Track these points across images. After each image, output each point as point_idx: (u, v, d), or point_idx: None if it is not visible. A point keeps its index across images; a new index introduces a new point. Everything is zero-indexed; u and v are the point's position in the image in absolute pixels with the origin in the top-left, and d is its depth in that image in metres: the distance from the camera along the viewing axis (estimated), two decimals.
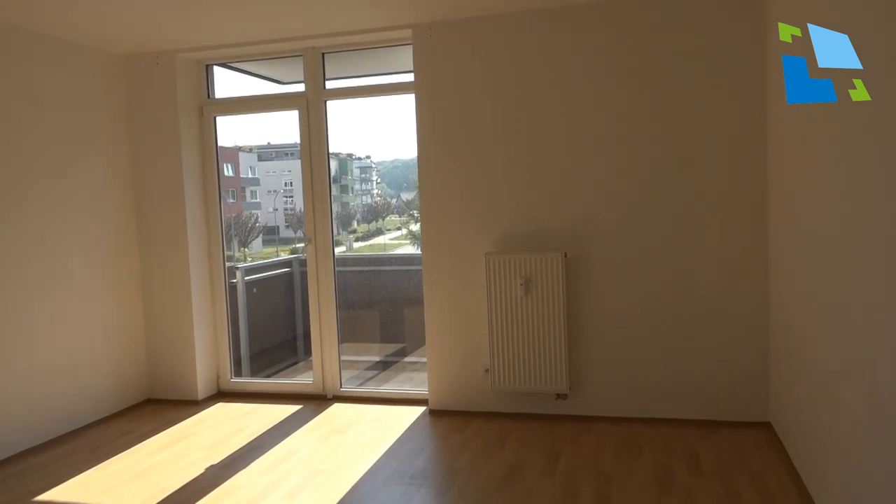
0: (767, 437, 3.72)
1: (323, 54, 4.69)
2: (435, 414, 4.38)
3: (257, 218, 6.08)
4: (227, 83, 5.13)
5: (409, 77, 4.40)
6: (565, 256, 4.05)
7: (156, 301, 4.92)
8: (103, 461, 3.83)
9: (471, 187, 4.27)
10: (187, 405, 4.80)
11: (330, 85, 4.72)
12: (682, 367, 4.01)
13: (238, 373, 5.19)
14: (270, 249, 6.09)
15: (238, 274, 5.36)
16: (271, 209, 6.02)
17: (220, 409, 4.73)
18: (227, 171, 5.80)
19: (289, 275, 5.88)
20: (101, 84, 4.61)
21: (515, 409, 4.28)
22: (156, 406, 4.82)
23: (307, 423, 4.34)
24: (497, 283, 4.13)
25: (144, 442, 4.11)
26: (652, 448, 3.66)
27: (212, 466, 3.70)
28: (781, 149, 3.46)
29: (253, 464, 3.71)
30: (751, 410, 3.93)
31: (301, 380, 5.08)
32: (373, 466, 3.59)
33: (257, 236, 6.11)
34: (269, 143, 6.09)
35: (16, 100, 4.01)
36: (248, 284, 5.49)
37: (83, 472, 3.69)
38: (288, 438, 4.07)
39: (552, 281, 4.05)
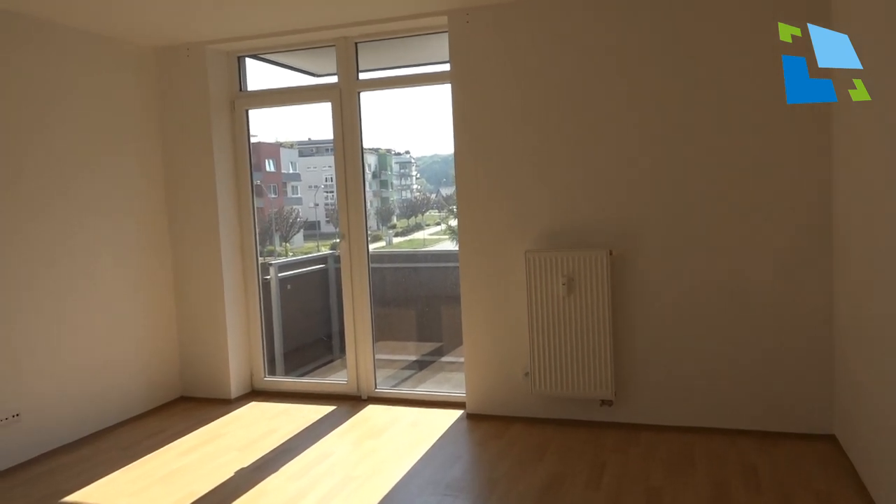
0: (832, 452, 3.44)
1: (356, 44, 4.54)
2: (473, 418, 4.20)
3: (298, 213, 6.09)
4: (261, 76, 5.02)
5: (446, 67, 4.21)
6: (610, 254, 3.82)
7: (188, 298, 4.84)
8: (133, 461, 3.75)
9: (510, 181, 4.07)
10: (220, 404, 4.72)
11: (364, 76, 4.57)
12: (737, 374, 3.74)
13: (272, 371, 5.09)
14: (311, 244, 6.09)
15: (272, 270, 5.26)
16: (312, 204, 6.02)
17: (253, 408, 4.63)
18: (269, 166, 5.88)
19: (323, 271, 5.76)
20: (131, 78, 4.54)
21: (557, 415, 4.07)
22: (188, 405, 4.75)
23: (340, 425, 4.21)
24: (538, 281, 3.92)
25: (175, 442, 4.03)
26: (705, 461, 3.42)
27: (242, 469, 3.59)
28: (848, 141, 3.16)
29: (284, 467, 3.59)
30: (813, 421, 3.64)
31: (335, 379, 4.95)
32: (407, 474, 3.43)
33: (298, 231, 6.11)
34: (309, 139, 6.08)
35: (46, 94, 3.95)
36: (282, 281, 5.39)
37: (112, 472, 3.62)
38: (321, 441, 3.94)
39: (596, 280, 3.82)
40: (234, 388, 4.82)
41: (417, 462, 3.57)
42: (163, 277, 4.78)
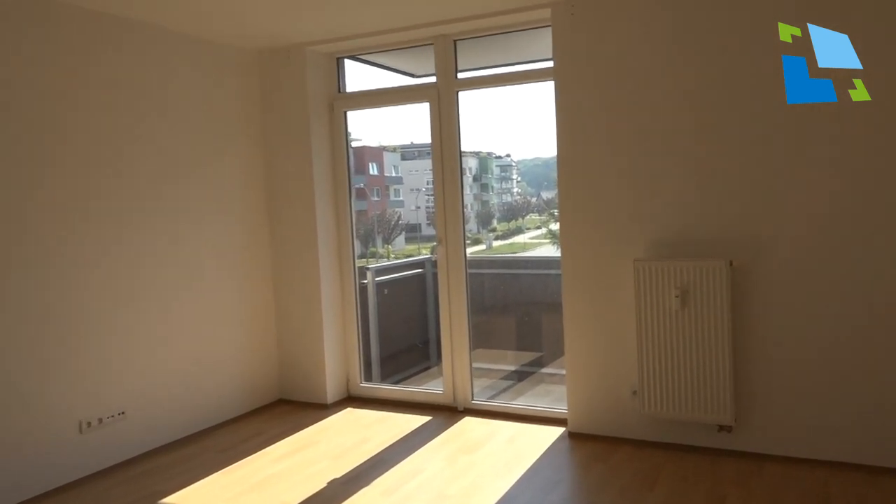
0: None
1: (455, 42, 4.38)
2: (575, 437, 3.93)
3: (400, 216, 6.13)
4: (360, 78, 4.96)
5: (548, 64, 3.97)
6: (731, 265, 3.45)
7: (287, 301, 4.85)
8: (229, 465, 3.75)
9: (617, 185, 3.77)
10: (317, 409, 4.68)
11: (462, 76, 4.41)
12: (879, 404, 3.27)
13: (368, 377, 5.02)
14: (412, 247, 6.12)
15: (369, 275, 5.20)
16: (413, 207, 6.04)
17: (349, 415, 4.56)
18: (373, 169, 5.93)
19: (421, 276, 5.66)
20: (233, 81, 4.58)
21: (668, 439, 3.73)
22: (286, 408, 4.75)
23: (435, 437, 4.05)
24: (648, 293, 3.60)
25: (271, 447, 4.01)
26: (842, 502, 3.00)
27: (334, 481, 3.50)
28: None
29: (376, 481, 3.47)
30: None
31: (431, 388, 4.81)
32: (504, 497, 3.22)
33: (400, 233, 6.16)
34: (412, 143, 6.13)
35: (151, 99, 4.03)
36: (379, 286, 5.32)
37: (208, 475, 3.62)
38: (414, 454, 3.80)
39: (715, 293, 3.46)
40: (331, 393, 4.78)
41: (515, 484, 3.35)
42: (263, 280, 4.81)
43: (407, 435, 4.11)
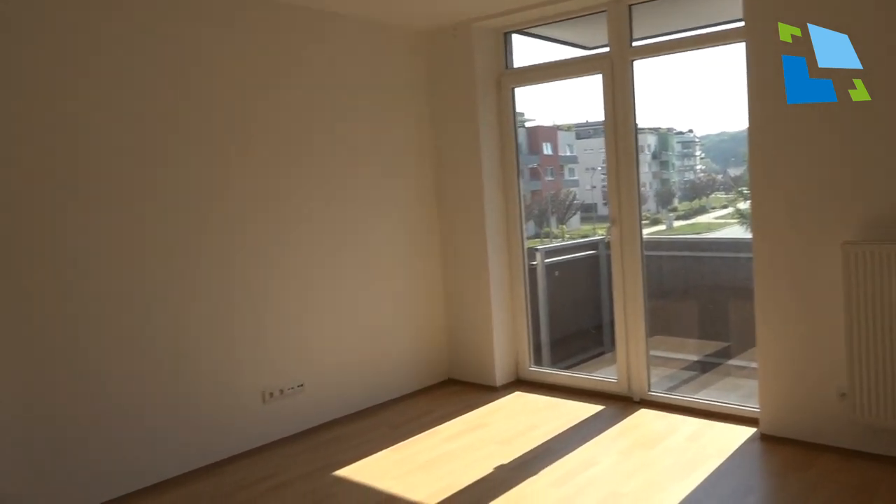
0: None
1: (629, 6, 4.05)
2: (768, 440, 3.52)
3: (575, 195, 6.05)
4: (529, 54, 4.78)
5: (737, 25, 3.54)
6: None
7: (455, 281, 4.84)
8: (401, 441, 3.81)
9: (819, 159, 3.27)
10: (486, 391, 4.64)
11: (637, 45, 4.07)
12: None
13: (538, 361, 4.89)
14: (588, 227, 6.00)
15: (538, 256, 5.05)
16: (588, 187, 5.91)
17: (517, 399, 4.47)
18: (546, 149, 5.90)
19: (593, 258, 5.40)
20: (401, 62, 4.60)
21: (884, 451, 3.21)
22: (455, 388, 4.76)
23: (609, 428, 3.83)
24: (861, 282, 3.10)
25: (441, 426, 4.02)
26: None
27: (501, 466, 3.42)
28: None
29: (544, 470, 3.34)
30: None
31: (604, 376, 4.57)
32: (684, 501, 2.94)
33: (574, 213, 6.09)
34: (586, 122, 6.02)
35: (323, 84, 4.15)
36: (549, 267, 5.15)
37: (381, 450, 3.70)
38: (586, 445, 3.62)
39: None
40: (499, 375, 4.71)
41: (698, 487, 3.05)
42: (432, 261, 4.83)
43: (578, 424, 3.93)
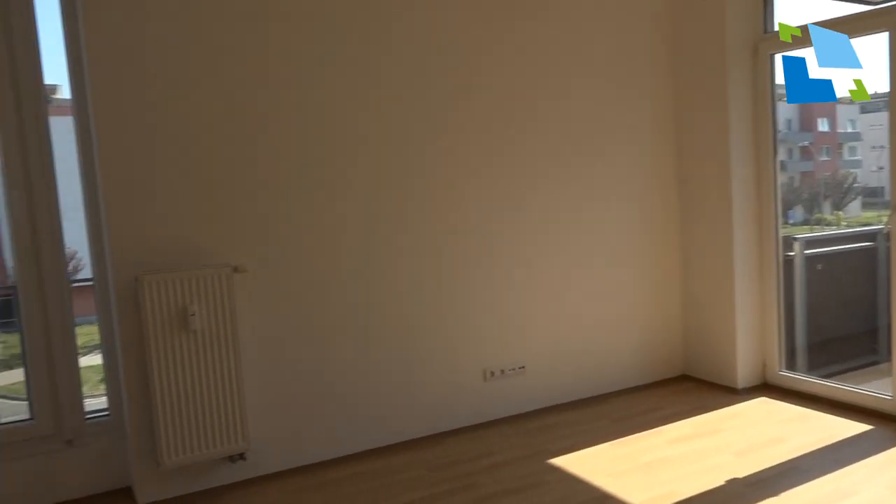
0: None
1: None
2: None
3: (855, 177, 5.44)
4: (797, 15, 4.15)
5: None
6: None
7: (694, 269, 4.43)
8: (621, 437, 3.60)
9: None
10: (724, 392, 4.20)
11: None
12: None
13: (790, 365, 4.30)
14: (871, 214, 5.25)
15: (796, 246, 4.44)
16: (875, 168, 5.22)
17: (761, 405, 3.97)
18: (822, 126, 5.48)
19: (870, 251, 4.59)
20: (643, 28, 4.27)
21: None
22: (690, 385, 4.38)
23: (876, 454, 3.23)
24: None
25: (667, 426, 3.72)
26: None
27: (734, 480, 3.05)
28: None
29: (788, 493, 2.90)
30: None
31: (876, 390, 3.85)
32: None
33: (854, 198, 5.44)
34: (875, 93, 5.16)
35: (563, 55, 4.02)
36: (810, 259, 4.49)
37: (599, 443, 3.53)
38: (843, 470, 3.08)
39: None
40: (742, 377, 4.23)
41: None
42: (669, 245, 4.47)
43: (836, 443, 3.37)
